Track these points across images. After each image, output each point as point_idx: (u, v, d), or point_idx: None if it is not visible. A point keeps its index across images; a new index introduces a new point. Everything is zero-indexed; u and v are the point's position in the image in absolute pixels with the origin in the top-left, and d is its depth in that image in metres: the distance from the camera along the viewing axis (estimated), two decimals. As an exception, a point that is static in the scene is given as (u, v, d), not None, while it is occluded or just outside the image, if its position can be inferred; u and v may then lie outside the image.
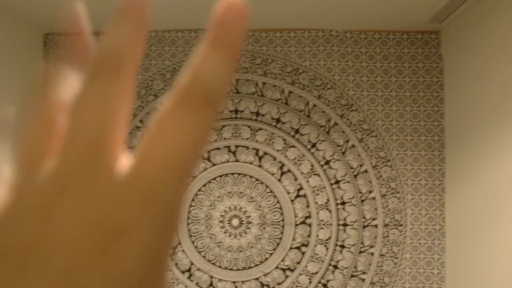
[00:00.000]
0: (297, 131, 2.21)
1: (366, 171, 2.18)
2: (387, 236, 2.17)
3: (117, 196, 0.13)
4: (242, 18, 0.14)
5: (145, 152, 0.14)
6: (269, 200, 2.20)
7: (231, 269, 2.21)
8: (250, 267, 2.20)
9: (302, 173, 2.20)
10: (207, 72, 0.14)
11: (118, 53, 0.14)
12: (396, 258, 2.17)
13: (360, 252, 2.18)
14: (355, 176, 2.19)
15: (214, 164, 2.22)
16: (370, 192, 2.18)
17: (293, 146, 2.20)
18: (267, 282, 2.19)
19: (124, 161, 0.14)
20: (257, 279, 2.20)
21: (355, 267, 2.18)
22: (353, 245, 2.18)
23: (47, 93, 0.15)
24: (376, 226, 2.17)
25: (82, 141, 0.13)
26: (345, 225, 2.18)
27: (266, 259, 2.20)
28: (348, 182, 2.19)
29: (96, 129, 0.13)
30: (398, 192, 2.17)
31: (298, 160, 2.20)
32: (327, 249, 2.18)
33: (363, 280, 2.17)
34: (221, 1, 0.14)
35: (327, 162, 2.19)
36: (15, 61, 2.11)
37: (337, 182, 2.19)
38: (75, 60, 0.16)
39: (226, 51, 0.14)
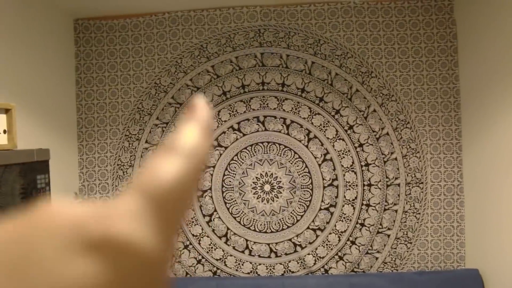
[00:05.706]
0: (321, 99, 2.30)
1: (387, 133, 2.29)
2: (409, 194, 2.28)
3: None
4: (206, 109, 0.22)
5: None
6: (298, 165, 2.31)
7: (265, 232, 2.33)
8: (283, 229, 2.32)
9: (328, 138, 2.30)
10: (186, 136, 0.20)
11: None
12: (418, 213, 2.28)
13: (385, 209, 2.29)
14: (377, 138, 2.29)
15: (244, 134, 2.32)
16: (392, 153, 2.29)
17: (318, 114, 2.30)
18: (299, 242, 2.32)
19: None
20: (290, 239, 2.32)
21: (380, 224, 2.30)
22: (377, 204, 2.30)
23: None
24: (398, 184, 2.29)
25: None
26: (369, 185, 2.29)
27: (298, 220, 2.31)
28: (371, 144, 2.29)
29: None
30: (418, 152, 2.28)
31: (324, 127, 2.30)
32: (354, 208, 2.30)
33: (388, 235, 2.29)
34: (194, 100, 0.22)
35: (351, 127, 2.30)
36: (47, 45, 2.15)
37: (360, 145, 2.30)
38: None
39: (198, 124, 0.21)
